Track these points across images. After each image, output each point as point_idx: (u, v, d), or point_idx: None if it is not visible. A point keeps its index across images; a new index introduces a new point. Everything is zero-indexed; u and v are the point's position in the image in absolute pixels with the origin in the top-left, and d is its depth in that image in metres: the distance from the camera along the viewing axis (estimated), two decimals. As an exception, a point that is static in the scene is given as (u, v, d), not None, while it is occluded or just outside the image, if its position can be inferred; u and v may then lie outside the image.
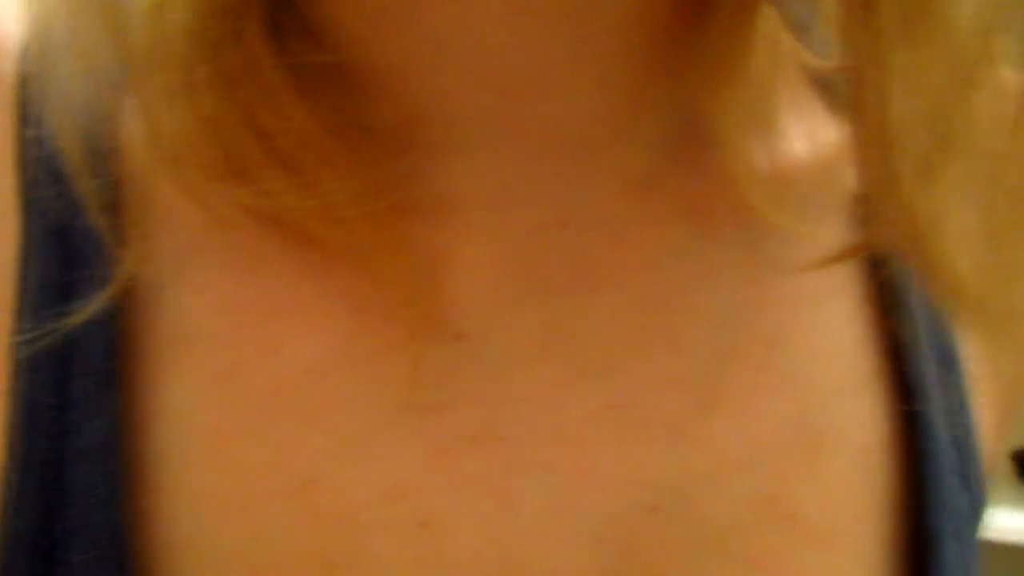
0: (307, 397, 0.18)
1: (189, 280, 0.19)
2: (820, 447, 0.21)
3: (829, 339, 0.22)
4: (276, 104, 0.17)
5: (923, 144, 0.17)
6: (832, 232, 0.22)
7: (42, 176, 0.18)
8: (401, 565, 0.18)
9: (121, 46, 0.17)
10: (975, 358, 0.24)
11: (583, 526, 0.19)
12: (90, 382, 0.18)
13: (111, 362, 0.18)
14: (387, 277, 0.19)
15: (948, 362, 0.23)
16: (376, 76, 0.18)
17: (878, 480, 0.22)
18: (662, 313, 0.20)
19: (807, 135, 0.22)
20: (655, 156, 0.20)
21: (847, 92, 0.19)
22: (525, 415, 0.19)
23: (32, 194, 0.19)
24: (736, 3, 0.17)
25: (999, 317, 0.21)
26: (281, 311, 0.19)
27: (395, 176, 0.19)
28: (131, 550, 0.17)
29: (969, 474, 0.23)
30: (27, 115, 0.19)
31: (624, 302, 0.20)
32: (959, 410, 0.23)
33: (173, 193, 0.18)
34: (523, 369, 0.19)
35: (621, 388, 0.20)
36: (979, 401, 0.24)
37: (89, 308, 0.18)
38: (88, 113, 0.18)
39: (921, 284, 0.22)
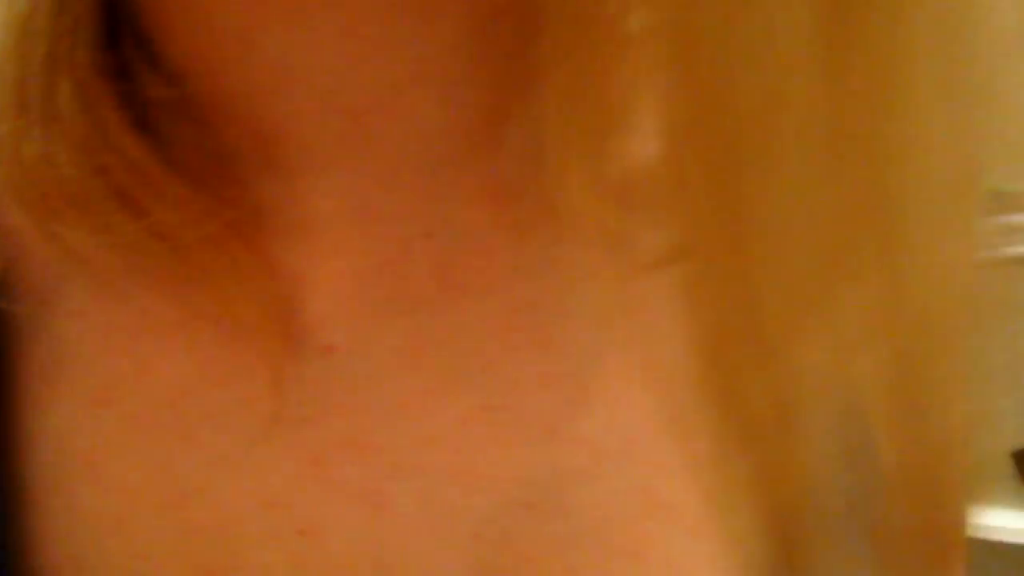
0: (180, 414, 0.19)
1: (61, 306, 0.19)
2: (691, 432, 0.21)
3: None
4: (108, 138, 0.17)
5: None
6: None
7: None
8: (281, 572, 0.18)
9: None
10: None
11: (459, 525, 0.19)
12: None
13: None
14: (246, 297, 0.19)
15: None
16: (224, 103, 0.19)
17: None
18: (531, 316, 0.20)
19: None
20: (519, 165, 0.21)
21: None
22: (397, 422, 0.20)
23: None
24: (562, 19, 0.17)
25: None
26: (151, 332, 0.19)
27: (249, 200, 0.19)
28: (21, 570, 0.18)
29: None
30: None
31: (492, 308, 0.20)
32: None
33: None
34: (393, 378, 0.20)
35: (493, 390, 0.20)
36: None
37: None
38: None
39: None
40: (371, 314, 0.20)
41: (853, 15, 0.14)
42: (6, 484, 0.18)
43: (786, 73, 0.15)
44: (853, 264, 0.17)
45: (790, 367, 0.18)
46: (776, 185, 0.16)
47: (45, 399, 0.19)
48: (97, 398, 0.19)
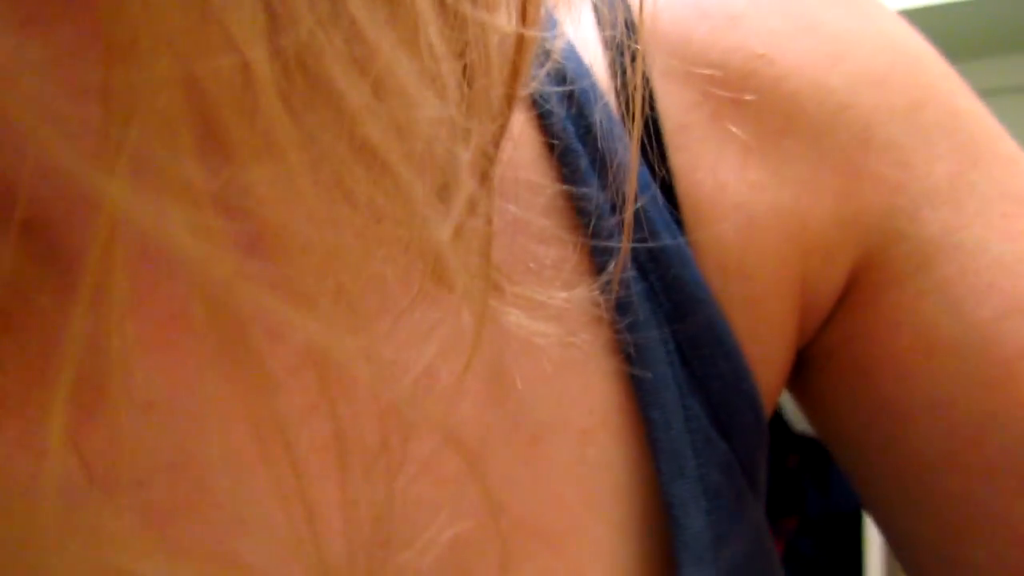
0: (14, 482, 0.18)
1: None
2: (538, 441, 0.20)
3: (540, 316, 0.21)
4: None
5: None
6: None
7: None
8: None
9: None
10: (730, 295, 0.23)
11: (310, 570, 0.18)
12: None
13: None
14: (51, 353, 0.18)
15: (684, 310, 0.22)
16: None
17: (604, 461, 0.21)
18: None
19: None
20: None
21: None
22: (234, 473, 0.18)
23: None
24: None
25: None
26: None
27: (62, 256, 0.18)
28: None
29: (727, 420, 0.22)
30: None
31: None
32: (709, 358, 0.22)
33: None
34: (222, 428, 0.18)
35: (329, 425, 0.19)
36: (750, 329, 0.23)
37: None
38: None
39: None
40: (188, 364, 0.18)
41: None
42: None
43: None
44: None
45: None
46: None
47: None
48: None
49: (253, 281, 0.17)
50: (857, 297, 0.23)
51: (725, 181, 0.22)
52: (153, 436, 0.18)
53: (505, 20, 0.16)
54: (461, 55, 0.15)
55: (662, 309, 0.22)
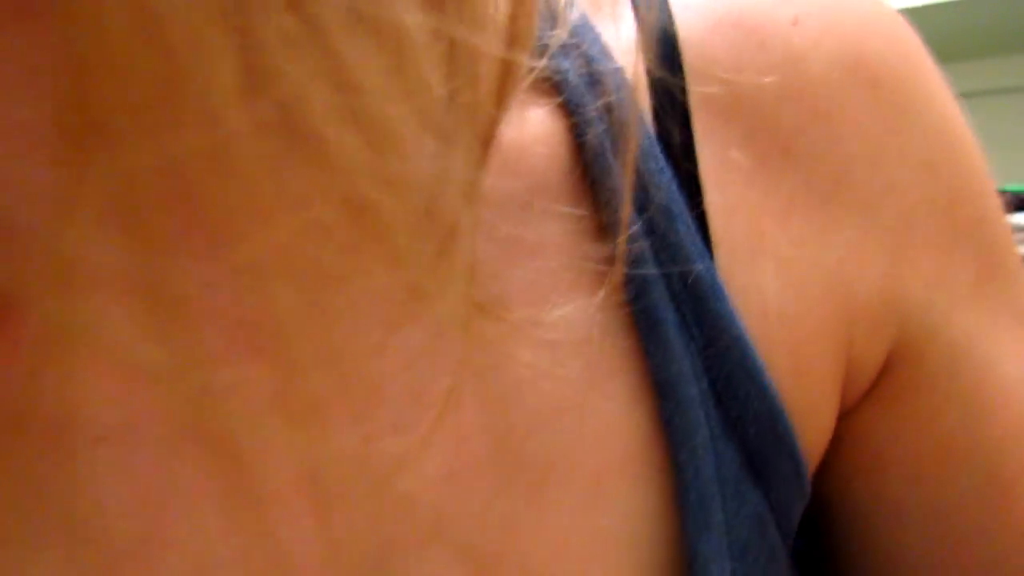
0: None
1: None
2: (546, 483, 0.19)
3: (553, 347, 0.19)
4: None
5: None
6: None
7: None
8: None
9: None
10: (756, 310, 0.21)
11: None
12: None
13: None
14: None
15: (719, 345, 0.20)
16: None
17: (620, 508, 0.19)
18: (304, 379, 0.18)
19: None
20: None
21: None
22: (195, 509, 0.17)
23: None
24: None
25: None
26: None
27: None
28: None
29: (762, 468, 0.20)
30: None
31: (260, 372, 0.18)
32: (744, 399, 0.20)
33: None
34: (181, 460, 0.17)
35: (306, 456, 0.17)
36: (784, 361, 0.21)
37: None
38: None
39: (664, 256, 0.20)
40: (138, 392, 0.17)
41: None
42: None
43: None
44: None
45: None
46: None
47: None
48: None
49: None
50: (888, 389, 0.23)
51: (765, 229, 0.21)
52: (105, 471, 0.17)
53: (492, 37, 0.16)
54: (448, 79, 0.15)
55: (695, 343, 0.20)
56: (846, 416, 0.23)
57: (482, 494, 0.18)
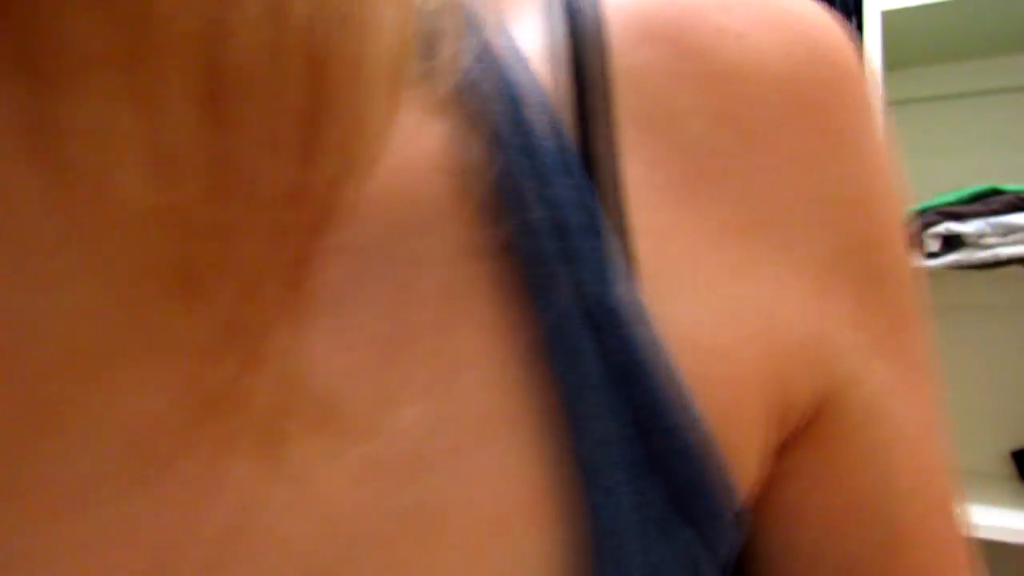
0: None
1: None
2: (438, 530, 0.17)
3: (455, 383, 0.18)
4: None
5: None
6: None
7: None
8: None
9: None
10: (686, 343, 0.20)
11: None
12: None
13: None
14: None
15: (641, 374, 0.19)
16: None
17: (519, 556, 0.17)
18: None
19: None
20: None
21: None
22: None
23: None
24: None
25: None
26: None
27: None
28: None
29: (691, 505, 0.19)
30: None
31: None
32: (671, 431, 0.19)
33: None
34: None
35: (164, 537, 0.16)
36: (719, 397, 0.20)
37: None
38: None
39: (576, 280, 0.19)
40: None
41: None
42: None
43: None
44: None
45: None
46: None
47: None
48: None
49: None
50: (814, 435, 0.22)
51: (697, 254, 0.20)
52: None
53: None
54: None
55: (614, 373, 0.18)
56: (774, 459, 0.22)
57: (366, 542, 0.17)
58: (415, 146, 0.19)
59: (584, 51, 0.21)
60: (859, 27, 1.06)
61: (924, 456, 0.23)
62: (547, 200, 0.19)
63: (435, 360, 0.18)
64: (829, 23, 0.23)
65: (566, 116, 0.20)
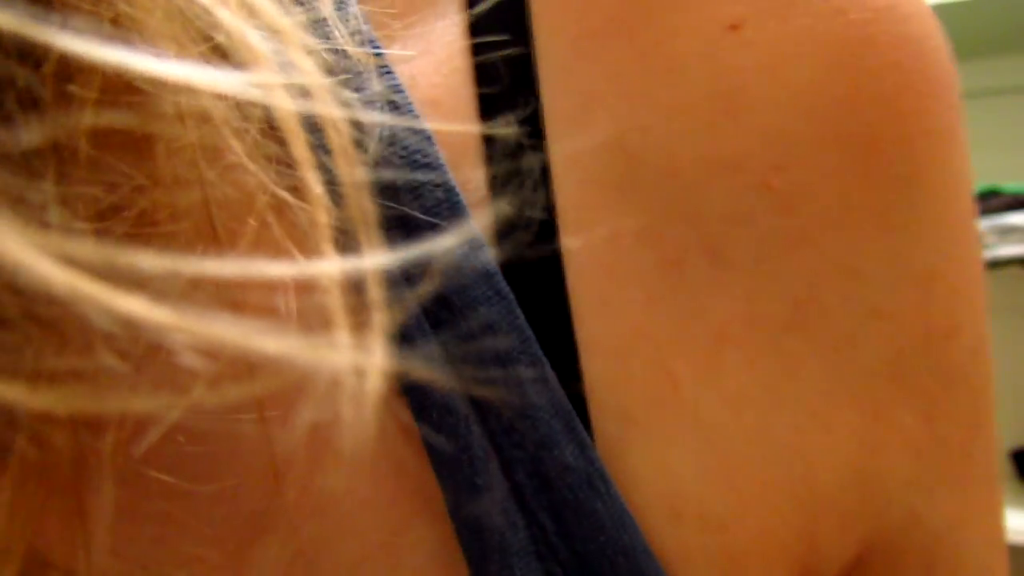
0: None
1: None
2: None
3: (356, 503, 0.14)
4: None
5: None
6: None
7: None
8: None
9: None
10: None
11: None
12: None
13: None
14: None
15: (590, 552, 0.14)
16: None
17: None
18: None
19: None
20: None
21: None
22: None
23: None
24: None
25: None
26: None
27: None
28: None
29: None
30: None
31: None
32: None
33: None
34: None
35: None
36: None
37: None
38: None
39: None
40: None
41: None
42: None
43: None
44: None
45: None
46: None
47: None
48: None
49: None
50: None
51: (676, 371, 0.14)
52: None
53: None
54: None
55: (556, 559, 0.14)
56: None
57: None
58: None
59: (504, 67, 0.15)
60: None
61: None
62: (446, 295, 0.14)
63: None
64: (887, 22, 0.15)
65: (473, 174, 0.15)
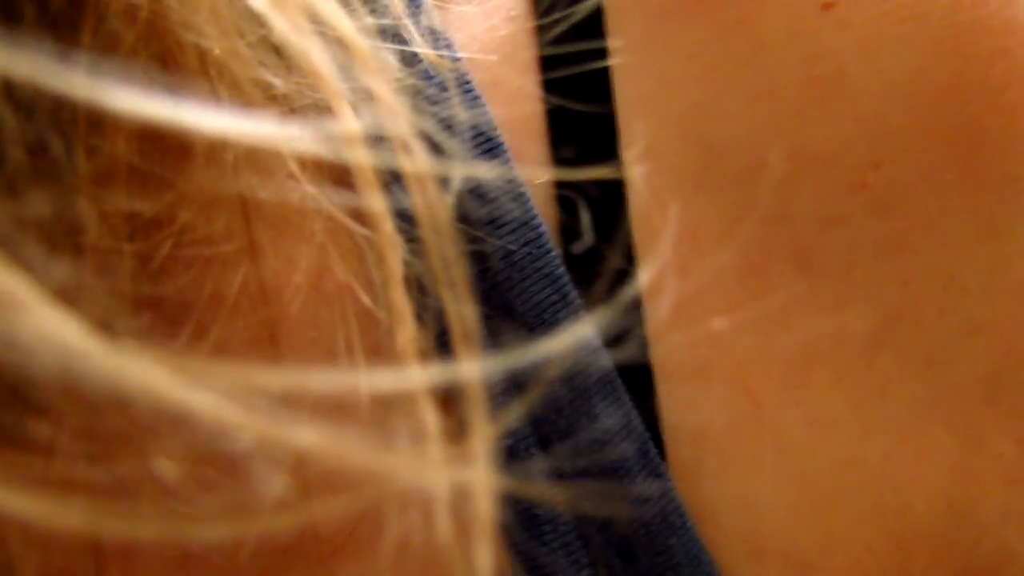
0: None
1: None
2: None
3: None
4: None
5: None
6: None
7: None
8: None
9: None
10: None
11: None
12: None
13: None
14: None
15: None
16: None
17: None
18: None
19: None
20: None
21: None
22: None
23: None
24: None
25: None
26: None
27: None
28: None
29: None
30: None
31: None
32: None
33: None
34: None
35: None
36: None
37: None
38: None
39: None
40: None
41: None
42: None
43: None
44: None
45: None
46: None
47: None
48: None
49: None
50: None
51: (761, 393, 0.13)
52: None
53: None
54: None
55: None
56: None
57: None
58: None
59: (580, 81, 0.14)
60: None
61: None
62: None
63: None
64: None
65: (546, 216, 0.14)
